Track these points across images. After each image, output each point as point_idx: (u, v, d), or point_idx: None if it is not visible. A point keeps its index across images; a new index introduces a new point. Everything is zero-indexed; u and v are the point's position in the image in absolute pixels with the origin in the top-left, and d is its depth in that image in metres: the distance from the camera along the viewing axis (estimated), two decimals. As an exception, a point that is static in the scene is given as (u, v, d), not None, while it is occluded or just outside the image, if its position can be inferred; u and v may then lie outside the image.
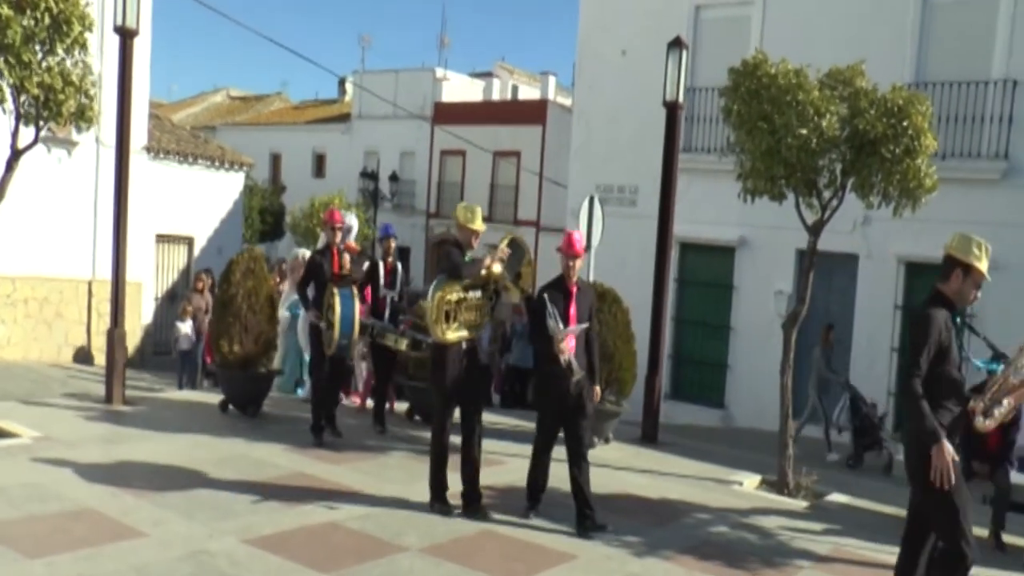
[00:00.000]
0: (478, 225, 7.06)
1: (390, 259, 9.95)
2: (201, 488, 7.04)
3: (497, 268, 6.87)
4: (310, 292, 9.31)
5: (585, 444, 7.03)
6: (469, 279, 6.79)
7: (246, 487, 7.17)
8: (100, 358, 16.82)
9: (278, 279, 12.14)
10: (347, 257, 9.22)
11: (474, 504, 6.98)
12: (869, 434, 12.87)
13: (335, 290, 8.71)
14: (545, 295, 6.89)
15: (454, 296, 6.71)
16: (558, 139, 31.57)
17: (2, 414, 8.95)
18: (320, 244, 10.22)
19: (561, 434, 7.03)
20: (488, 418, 11.00)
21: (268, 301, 10.07)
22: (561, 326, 6.76)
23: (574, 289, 6.99)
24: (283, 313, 11.33)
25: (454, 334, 6.73)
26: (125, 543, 5.69)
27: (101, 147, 16.36)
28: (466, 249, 6.95)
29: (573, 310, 6.93)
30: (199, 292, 14.95)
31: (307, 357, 11.34)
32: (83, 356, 17.31)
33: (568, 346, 6.79)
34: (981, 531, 7.83)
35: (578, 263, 7.02)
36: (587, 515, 6.82)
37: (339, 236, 9.33)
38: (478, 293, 6.88)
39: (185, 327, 14.41)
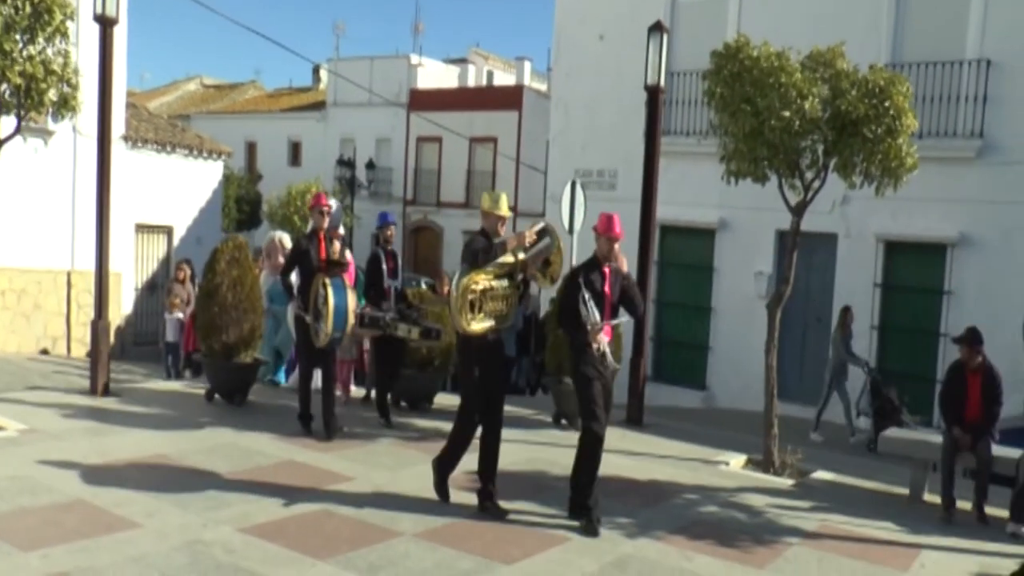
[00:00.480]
0: (503, 211, 6.76)
1: (390, 248, 9.74)
2: (192, 478, 7.04)
3: (520, 255, 6.55)
4: (294, 279, 9.11)
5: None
6: (491, 266, 6.45)
7: (237, 476, 7.18)
8: (79, 349, 16.73)
9: (259, 269, 11.91)
10: (337, 244, 9.01)
11: (488, 501, 6.76)
12: (890, 417, 12.69)
13: (327, 280, 8.33)
14: (580, 278, 6.59)
15: (479, 285, 6.39)
16: (534, 124, 31.60)
17: (-14, 408, 8.89)
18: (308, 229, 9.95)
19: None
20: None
21: (253, 290, 10.02)
22: (596, 314, 6.50)
23: (607, 270, 6.76)
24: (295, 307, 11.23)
25: (479, 324, 6.43)
26: (120, 534, 5.69)
27: (79, 136, 16.20)
28: (492, 237, 6.63)
29: (608, 289, 6.69)
30: (180, 283, 14.89)
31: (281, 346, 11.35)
32: (63, 347, 17.17)
33: (604, 335, 6.58)
34: (964, 503, 7.99)
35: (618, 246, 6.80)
36: (589, 505, 6.62)
37: (327, 221, 9.09)
38: (504, 282, 6.55)
39: (174, 318, 14.43)
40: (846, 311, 14.08)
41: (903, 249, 15.28)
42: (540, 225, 6.89)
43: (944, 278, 14.74)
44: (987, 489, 7.99)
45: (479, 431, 6.80)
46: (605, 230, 6.79)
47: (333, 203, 10.76)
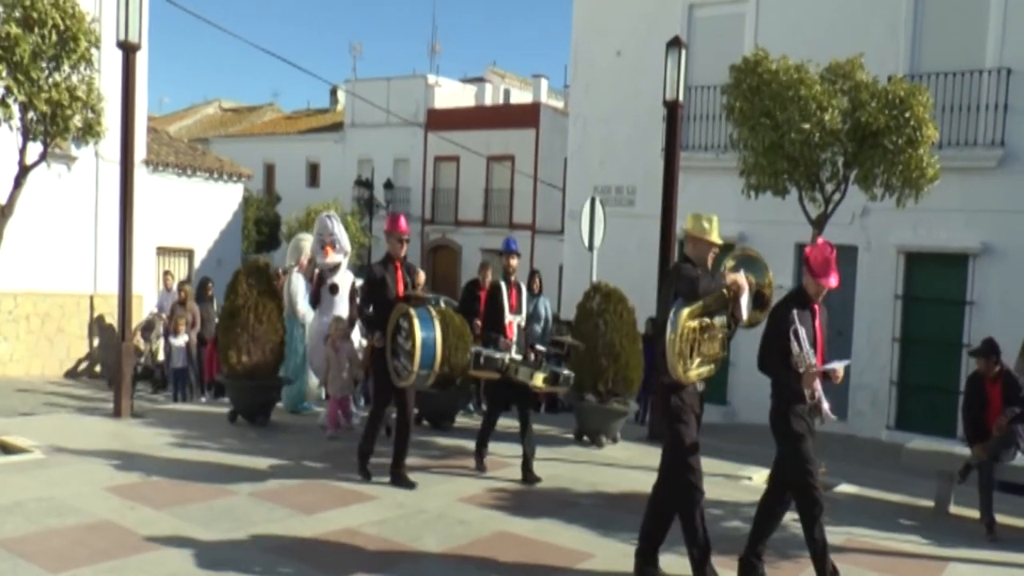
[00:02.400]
0: (716, 237, 5.74)
1: (513, 278, 8.76)
2: (217, 498, 7.06)
3: (742, 281, 5.62)
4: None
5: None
6: (711, 301, 5.54)
7: (261, 496, 7.20)
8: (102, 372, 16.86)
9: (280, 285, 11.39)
10: (421, 276, 8.04)
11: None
12: None
13: (411, 311, 7.47)
14: (793, 311, 5.62)
15: (696, 322, 5.48)
16: (551, 142, 31.66)
17: (12, 430, 8.97)
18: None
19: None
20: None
21: (275, 311, 10.08)
22: (812, 355, 5.55)
23: (817, 308, 5.81)
24: (302, 307, 10.94)
25: (695, 371, 5.54)
26: (147, 555, 5.72)
27: (101, 161, 16.39)
28: (699, 267, 5.69)
29: (820, 333, 5.76)
30: (182, 304, 14.38)
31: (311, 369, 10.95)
32: (86, 370, 17.30)
33: (818, 383, 5.57)
34: (972, 512, 7.90)
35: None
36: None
37: (404, 248, 8.03)
38: (723, 319, 5.67)
39: (179, 342, 13.70)
40: None
41: (924, 260, 15.19)
42: (744, 253, 6.01)
43: (966, 289, 14.64)
44: (992, 500, 7.85)
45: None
46: (817, 264, 5.75)
47: (334, 217, 10.81)
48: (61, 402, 13.26)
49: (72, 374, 16.94)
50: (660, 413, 11.12)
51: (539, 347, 8.59)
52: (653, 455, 9.95)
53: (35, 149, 8.36)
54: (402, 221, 8.04)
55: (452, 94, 37.30)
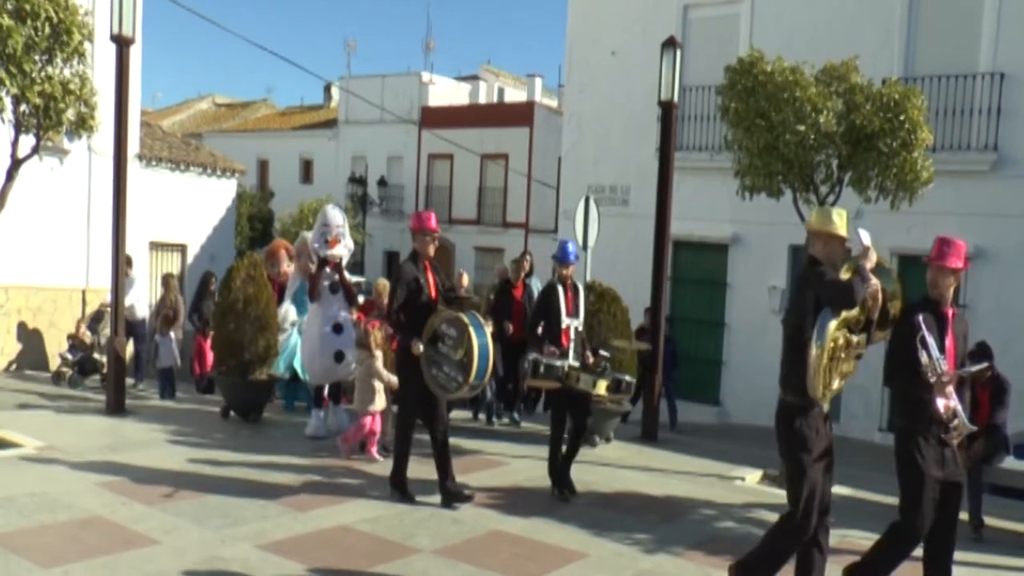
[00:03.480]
0: (845, 231, 5.16)
1: (569, 281, 8.06)
2: (209, 495, 7.04)
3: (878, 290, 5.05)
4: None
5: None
6: (857, 311, 5.00)
7: (254, 492, 7.18)
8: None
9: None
10: (465, 278, 7.59)
11: None
12: None
13: (464, 317, 6.95)
14: (919, 316, 5.08)
15: (841, 338, 4.97)
16: (545, 141, 31.67)
17: (3, 425, 8.93)
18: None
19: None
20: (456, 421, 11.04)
21: (268, 307, 10.05)
22: (942, 361, 5.00)
23: (950, 313, 5.26)
24: (286, 306, 10.49)
25: (830, 391, 5.06)
26: (139, 551, 5.70)
27: (94, 155, 16.31)
28: (831, 268, 5.08)
29: (950, 343, 5.20)
30: (163, 299, 13.55)
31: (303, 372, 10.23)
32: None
33: (953, 393, 5.04)
34: (964, 515, 7.91)
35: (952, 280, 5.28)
36: None
37: (433, 248, 7.42)
38: (864, 335, 5.15)
39: (166, 339, 13.02)
40: None
41: (918, 263, 15.16)
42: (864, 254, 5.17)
43: (960, 292, 14.65)
44: (981, 502, 7.90)
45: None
46: (939, 257, 5.24)
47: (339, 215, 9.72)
48: (53, 397, 13.19)
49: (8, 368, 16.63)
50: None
51: (602, 352, 7.92)
52: (646, 455, 10.02)
53: (27, 142, 8.32)
54: (432, 218, 7.40)
55: (446, 92, 37.27)
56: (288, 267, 11.11)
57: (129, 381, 13.01)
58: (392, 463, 7.46)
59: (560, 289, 7.83)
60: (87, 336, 13.88)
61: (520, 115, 33.84)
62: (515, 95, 39.99)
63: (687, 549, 6.62)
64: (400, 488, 7.31)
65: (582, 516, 7.19)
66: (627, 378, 7.71)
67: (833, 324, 4.89)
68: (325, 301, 9.32)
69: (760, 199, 9.37)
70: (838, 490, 9.06)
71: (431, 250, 7.34)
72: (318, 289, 9.37)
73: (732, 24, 16.81)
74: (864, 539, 7.29)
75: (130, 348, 13.31)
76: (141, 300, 14.30)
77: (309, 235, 9.98)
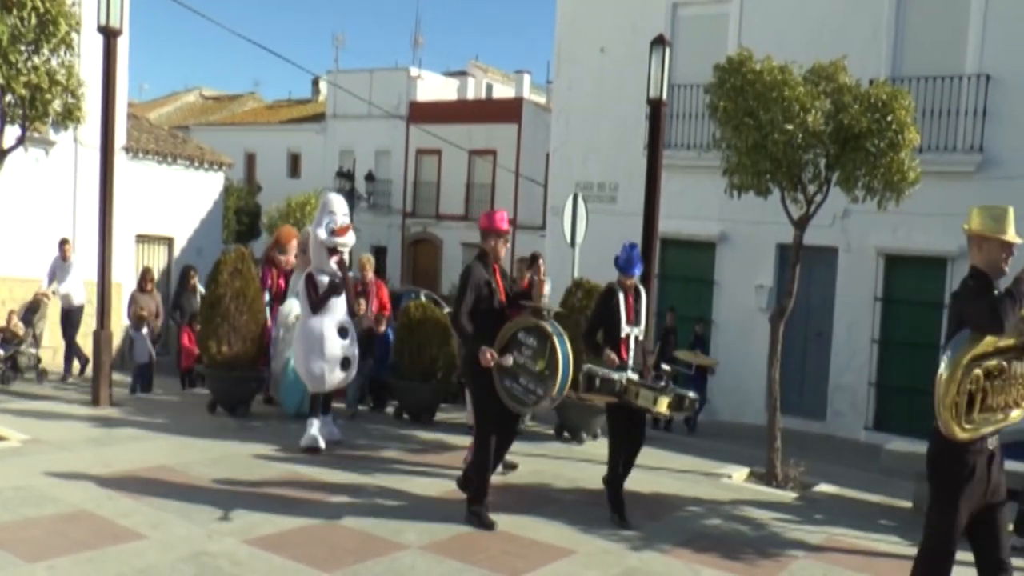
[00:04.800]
0: (1012, 234, 4.38)
1: (631, 285, 7.27)
2: (196, 489, 7.02)
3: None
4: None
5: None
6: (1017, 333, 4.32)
7: (241, 487, 7.16)
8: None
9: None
10: (546, 285, 6.48)
11: None
12: None
13: (546, 326, 6.38)
14: None
15: (993, 363, 4.31)
16: (534, 137, 31.69)
17: (-12, 418, 8.89)
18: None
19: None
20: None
21: (256, 301, 10.01)
22: None
23: None
24: (291, 301, 9.81)
25: (976, 430, 4.36)
26: (125, 545, 5.66)
27: (80, 147, 16.22)
28: (994, 280, 4.37)
29: None
30: (149, 293, 13.31)
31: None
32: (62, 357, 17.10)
33: None
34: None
35: None
36: None
37: (504, 250, 6.80)
38: None
39: (141, 336, 12.61)
40: None
41: (903, 263, 15.32)
42: None
43: (944, 292, 14.74)
44: None
45: None
46: None
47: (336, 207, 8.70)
48: (38, 389, 13.11)
49: None
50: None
51: (664, 366, 7.23)
52: (633, 452, 10.02)
53: (13, 133, 8.26)
54: (504, 218, 6.77)
55: (434, 87, 37.24)
56: (294, 258, 10.45)
57: (55, 375, 12.91)
58: (472, 485, 6.74)
59: (621, 294, 7.15)
60: (19, 328, 12.74)
61: (508, 111, 33.84)
62: (503, 91, 39.98)
63: (674, 546, 6.63)
64: (479, 515, 6.60)
65: (570, 513, 7.20)
66: (690, 395, 7.06)
67: (969, 350, 4.23)
68: (329, 302, 8.50)
69: (748, 198, 9.38)
70: (824, 488, 9.15)
71: (502, 252, 6.73)
72: (323, 305, 8.39)
73: (721, 23, 16.86)
74: (852, 537, 7.35)
75: (59, 339, 13.05)
76: (77, 288, 13.73)
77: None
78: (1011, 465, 8.05)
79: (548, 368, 6.28)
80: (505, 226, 6.70)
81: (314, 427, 8.58)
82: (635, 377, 6.93)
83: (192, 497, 6.78)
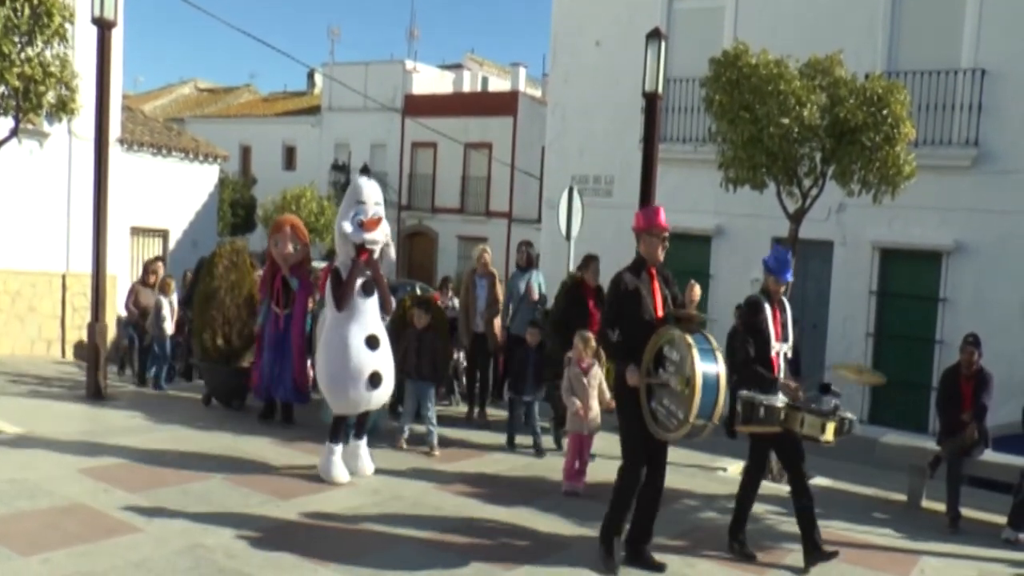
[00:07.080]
0: None
1: (778, 296, 6.46)
2: (192, 482, 7.01)
3: None
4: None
5: None
6: None
7: (237, 480, 7.16)
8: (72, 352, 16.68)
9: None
10: (696, 291, 5.72)
11: None
12: None
13: (688, 338, 5.42)
14: None
15: None
16: (529, 130, 31.64)
17: (-18, 411, 8.87)
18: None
19: None
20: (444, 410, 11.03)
21: (251, 294, 9.99)
22: None
23: None
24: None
25: None
26: (121, 538, 5.66)
27: (74, 139, 16.18)
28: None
29: None
30: (150, 287, 12.88)
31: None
32: (58, 350, 17.10)
33: None
34: (944, 506, 8.01)
35: None
36: None
37: (663, 252, 5.92)
38: None
39: (126, 333, 12.30)
40: None
41: (899, 257, 15.32)
42: None
43: (939, 286, 14.79)
44: (959, 493, 7.98)
45: None
46: None
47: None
48: (32, 382, 13.09)
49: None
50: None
51: (834, 388, 6.35)
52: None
53: (6, 124, 8.24)
54: (662, 214, 5.90)
55: (430, 80, 37.15)
56: (291, 248, 9.19)
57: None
58: (606, 514, 5.98)
59: (768, 307, 6.34)
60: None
61: (504, 104, 33.78)
62: (499, 84, 39.92)
63: (669, 539, 6.64)
64: (608, 546, 5.86)
65: (565, 506, 7.21)
66: (850, 416, 6.18)
67: None
68: (356, 308, 7.31)
69: (743, 191, 9.39)
70: (818, 481, 9.16)
71: (660, 254, 5.87)
72: (350, 295, 7.26)
73: (717, 16, 16.82)
74: (843, 530, 7.37)
75: None
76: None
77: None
78: (1004, 458, 8.14)
79: (687, 387, 5.33)
80: (664, 223, 5.84)
81: (335, 454, 7.37)
82: (793, 402, 6.11)
83: (188, 490, 6.78)
